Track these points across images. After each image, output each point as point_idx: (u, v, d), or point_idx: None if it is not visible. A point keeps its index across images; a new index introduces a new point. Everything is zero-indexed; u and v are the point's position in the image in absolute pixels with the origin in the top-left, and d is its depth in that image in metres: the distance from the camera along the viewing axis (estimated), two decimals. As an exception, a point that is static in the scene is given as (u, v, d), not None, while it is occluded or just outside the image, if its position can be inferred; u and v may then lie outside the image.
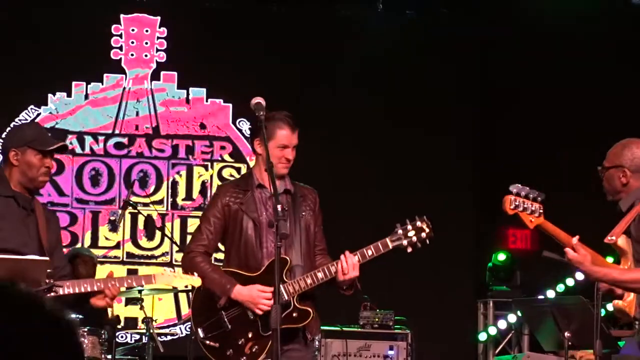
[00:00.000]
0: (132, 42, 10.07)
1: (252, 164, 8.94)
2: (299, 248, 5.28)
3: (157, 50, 10.10)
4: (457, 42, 10.17)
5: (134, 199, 8.56)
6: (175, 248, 9.76)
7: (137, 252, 9.93)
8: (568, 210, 6.83)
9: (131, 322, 9.43)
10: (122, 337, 9.10)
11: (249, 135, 9.79)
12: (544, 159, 9.80)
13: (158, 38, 10.11)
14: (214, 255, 5.57)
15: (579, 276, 8.44)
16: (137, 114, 10.07)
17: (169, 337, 9.29)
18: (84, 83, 9.97)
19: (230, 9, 10.15)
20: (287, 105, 5.55)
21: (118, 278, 4.98)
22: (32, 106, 9.84)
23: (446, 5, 10.32)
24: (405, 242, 5.25)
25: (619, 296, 4.97)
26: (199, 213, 7.42)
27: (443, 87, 10.18)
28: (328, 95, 9.88)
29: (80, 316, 6.87)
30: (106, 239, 9.91)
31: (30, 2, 9.91)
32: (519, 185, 4.83)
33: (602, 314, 5.82)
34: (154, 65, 10.09)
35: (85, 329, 7.07)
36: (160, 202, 9.96)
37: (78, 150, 9.92)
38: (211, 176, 10.07)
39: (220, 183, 9.45)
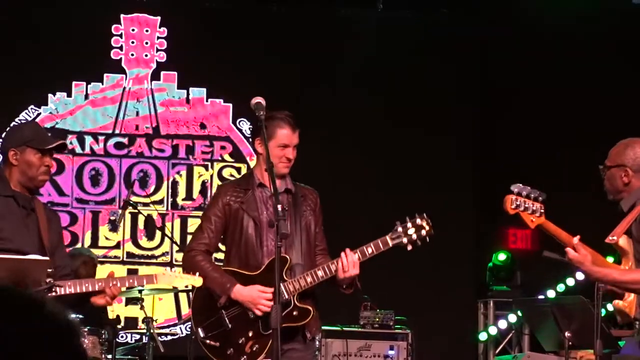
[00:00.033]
0: (132, 42, 10.08)
1: (252, 163, 8.95)
2: (299, 247, 5.28)
3: (157, 50, 10.10)
4: (457, 42, 10.17)
5: (134, 198, 8.56)
6: (175, 248, 9.76)
7: (137, 252, 9.93)
8: (568, 210, 6.82)
9: (131, 322, 9.43)
10: (122, 337, 9.09)
11: (249, 135, 9.82)
12: (544, 159, 9.80)
13: (158, 38, 10.11)
14: (214, 255, 5.57)
15: (580, 276, 8.44)
16: (137, 113, 10.07)
17: (169, 337, 9.29)
18: (84, 83, 9.98)
19: (230, 9, 10.16)
20: (287, 105, 5.55)
21: (119, 278, 4.98)
22: (32, 106, 9.84)
23: (446, 5, 10.32)
24: (405, 240, 5.25)
25: (620, 296, 4.97)
26: (199, 213, 7.43)
27: (443, 87, 10.18)
28: (328, 95, 9.88)
29: (81, 316, 6.86)
30: (106, 238, 9.92)
31: (30, 2, 9.92)
32: (520, 185, 4.82)
33: (603, 314, 5.82)
34: (154, 65, 10.09)
35: (86, 329, 7.07)
36: (160, 202, 9.96)
37: (78, 150, 9.93)
38: (211, 176, 10.07)
39: (220, 183, 9.46)
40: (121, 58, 10.05)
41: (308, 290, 5.21)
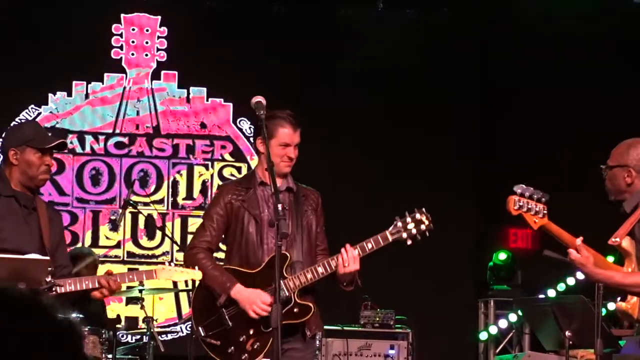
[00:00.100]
0: (133, 42, 10.07)
1: (253, 163, 8.96)
2: (300, 245, 5.29)
3: (158, 49, 10.10)
4: (457, 42, 10.17)
5: (134, 198, 8.57)
6: (175, 247, 9.76)
7: (137, 251, 9.93)
8: (568, 210, 6.81)
9: (132, 322, 9.42)
10: (122, 336, 9.09)
11: (249, 135, 9.82)
12: (544, 159, 9.80)
13: (158, 37, 10.11)
14: (214, 255, 5.57)
15: (580, 275, 8.43)
16: (138, 113, 10.07)
17: (169, 337, 9.29)
18: (85, 82, 9.98)
19: (230, 9, 10.16)
20: (287, 105, 5.54)
21: (119, 274, 4.99)
22: (32, 106, 9.84)
23: (446, 5, 10.32)
24: (405, 235, 5.24)
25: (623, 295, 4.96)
26: (200, 212, 7.43)
27: (443, 87, 10.18)
28: (328, 95, 9.88)
29: (81, 316, 6.87)
30: (107, 238, 9.92)
31: (30, 2, 9.92)
32: (523, 185, 4.80)
33: (603, 313, 5.82)
34: (154, 65, 10.09)
35: (86, 329, 7.07)
36: (160, 201, 9.96)
37: (78, 149, 9.93)
38: (212, 175, 10.07)
39: (220, 182, 9.47)
40: (121, 57, 10.05)
41: (308, 287, 5.21)
